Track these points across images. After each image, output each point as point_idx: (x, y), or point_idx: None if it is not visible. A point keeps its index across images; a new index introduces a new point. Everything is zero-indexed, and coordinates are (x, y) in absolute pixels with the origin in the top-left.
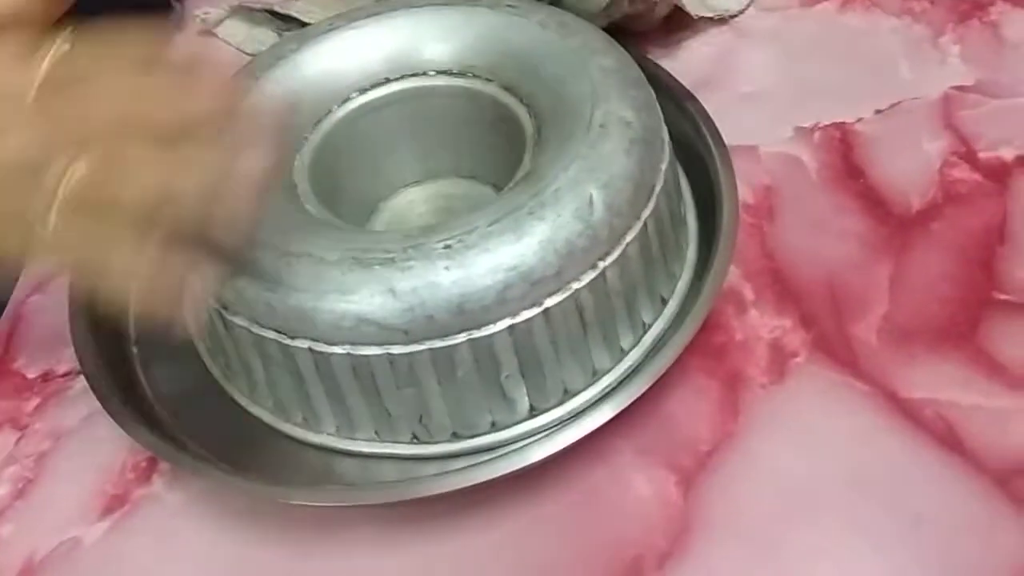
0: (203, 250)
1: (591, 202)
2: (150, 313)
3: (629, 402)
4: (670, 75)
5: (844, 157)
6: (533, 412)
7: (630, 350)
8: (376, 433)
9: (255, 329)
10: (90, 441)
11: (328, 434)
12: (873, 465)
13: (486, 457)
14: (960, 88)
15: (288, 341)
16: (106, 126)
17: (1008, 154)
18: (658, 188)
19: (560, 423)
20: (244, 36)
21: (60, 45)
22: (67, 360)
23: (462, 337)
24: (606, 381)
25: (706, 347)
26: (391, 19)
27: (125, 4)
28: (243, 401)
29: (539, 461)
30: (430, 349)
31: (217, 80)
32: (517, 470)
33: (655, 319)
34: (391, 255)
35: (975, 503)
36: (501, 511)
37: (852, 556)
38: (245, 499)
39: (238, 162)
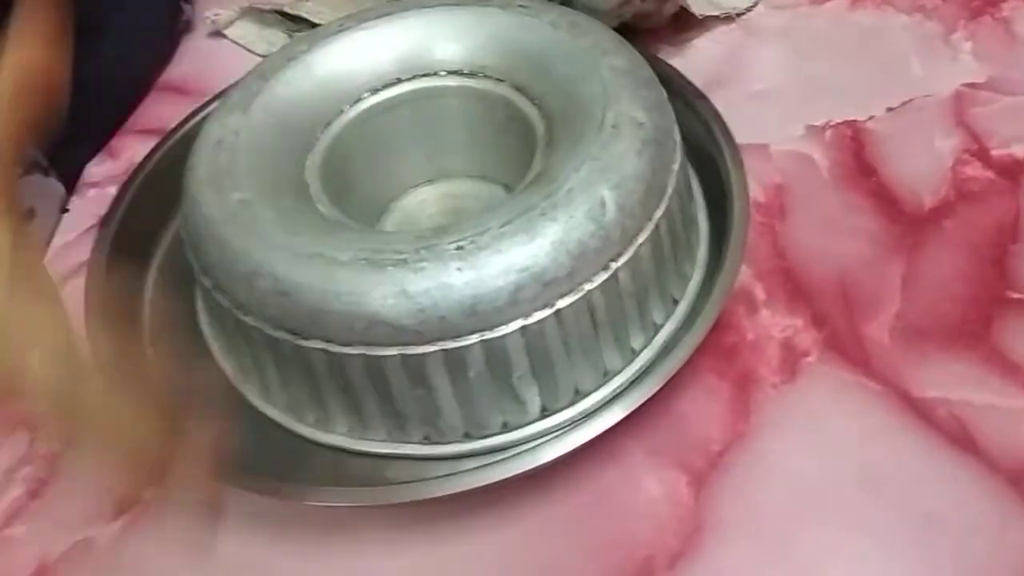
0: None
1: (603, 203)
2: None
3: (640, 403)
4: (681, 74)
5: (856, 155)
6: (544, 413)
7: (641, 351)
8: (388, 433)
9: (268, 330)
10: None
11: (340, 434)
12: (885, 465)
13: (498, 458)
14: (972, 85)
15: (301, 342)
16: None
17: (1021, 151)
18: (670, 189)
19: (571, 424)
20: (254, 37)
21: None
22: None
23: (474, 338)
24: (617, 382)
25: (717, 347)
26: (402, 19)
27: (131, 6)
28: (256, 402)
29: (550, 462)
30: (443, 350)
31: None
32: (528, 471)
33: (666, 319)
34: (403, 256)
35: (988, 503)
36: (512, 511)
37: (864, 556)
38: (257, 499)
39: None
